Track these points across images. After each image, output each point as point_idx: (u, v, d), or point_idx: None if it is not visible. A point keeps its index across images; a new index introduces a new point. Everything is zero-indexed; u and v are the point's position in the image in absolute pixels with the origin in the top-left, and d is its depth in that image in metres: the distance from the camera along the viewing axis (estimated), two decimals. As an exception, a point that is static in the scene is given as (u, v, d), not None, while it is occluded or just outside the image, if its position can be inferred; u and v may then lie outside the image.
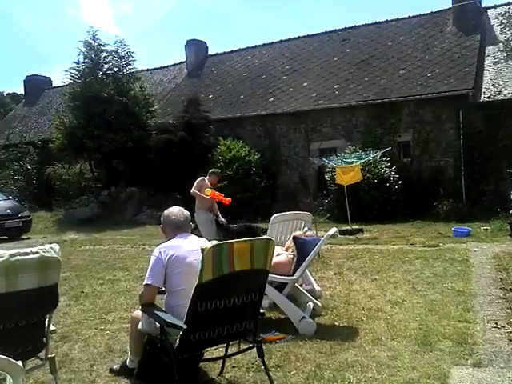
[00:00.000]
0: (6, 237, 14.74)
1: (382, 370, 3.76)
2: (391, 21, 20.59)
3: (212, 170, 9.65)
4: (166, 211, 3.91)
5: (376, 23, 20.91)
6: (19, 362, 2.18)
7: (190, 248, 3.60)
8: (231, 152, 17.45)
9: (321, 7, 76.68)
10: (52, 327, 3.52)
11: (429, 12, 19.80)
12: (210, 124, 18.44)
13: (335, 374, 3.72)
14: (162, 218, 3.91)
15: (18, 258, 3.02)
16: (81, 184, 21.06)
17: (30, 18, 74.58)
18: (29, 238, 14.99)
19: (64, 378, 3.88)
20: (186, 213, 3.89)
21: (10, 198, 17.35)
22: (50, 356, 3.42)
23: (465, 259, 8.13)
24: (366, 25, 21.08)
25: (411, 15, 20.24)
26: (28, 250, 3.10)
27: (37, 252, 3.10)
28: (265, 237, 3.74)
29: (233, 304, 3.27)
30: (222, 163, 17.25)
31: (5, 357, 2.06)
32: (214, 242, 3.25)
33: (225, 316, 3.30)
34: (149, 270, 3.56)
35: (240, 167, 17.12)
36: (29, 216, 16.04)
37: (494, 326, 4.72)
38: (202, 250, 3.13)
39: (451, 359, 3.94)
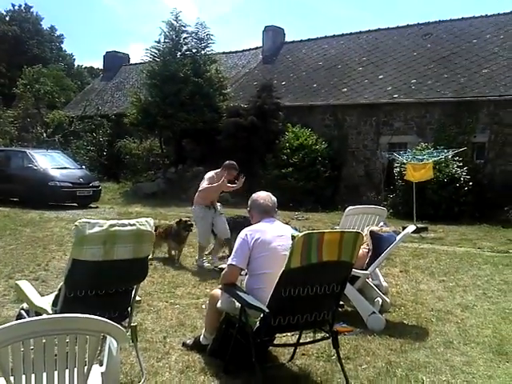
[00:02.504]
0: (76, 204, 15.43)
1: (457, 374, 3.70)
2: (478, 17, 19.72)
3: (228, 162, 7.71)
4: (254, 195, 3.97)
5: (462, 19, 20.07)
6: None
7: (276, 233, 3.65)
8: (299, 140, 17.41)
9: (404, 1, 74.42)
10: (138, 298, 3.69)
11: (521, 9, 18.85)
12: (280, 110, 18.46)
13: (408, 373, 3.69)
14: (249, 202, 3.97)
15: (117, 228, 3.18)
16: (149, 159, 21.64)
17: (110, -6, 76.64)
18: (97, 207, 15.59)
19: (140, 346, 3.99)
20: (274, 198, 3.95)
21: (83, 167, 18.09)
22: (132, 325, 3.58)
23: (538, 268, 7.79)
24: (450, 20, 20.30)
25: (501, 12, 19.28)
26: (126, 221, 3.25)
27: (134, 224, 3.25)
28: (354, 230, 3.73)
29: (315, 293, 3.30)
30: (288, 150, 17.29)
31: (111, 322, 2.18)
32: (306, 231, 3.28)
33: (306, 304, 3.35)
34: (234, 250, 3.65)
35: (306, 155, 17.08)
36: (99, 186, 16.64)
37: None
38: (293, 238, 3.17)
39: (530, 372, 3.81)
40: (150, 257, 7.12)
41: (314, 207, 15.91)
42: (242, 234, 3.67)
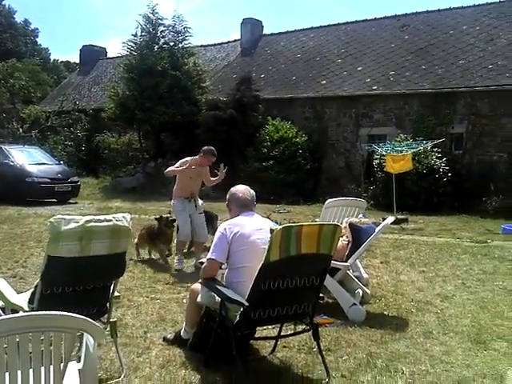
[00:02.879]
0: (55, 200, 15.23)
1: (436, 364, 3.73)
2: (455, 8, 19.91)
3: (207, 147, 7.20)
4: (232, 188, 3.96)
5: (438, 10, 20.25)
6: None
7: (255, 227, 3.64)
8: (279, 132, 17.42)
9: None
10: (116, 293, 3.65)
11: (497, 1, 19.03)
12: (259, 103, 18.46)
13: (388, 364, 3.72)
14: (228, 196, 3.96)
15: (93, 224, 3.14)
16: (128, 154, 21.44)
17: (86, -13, 75.54)
18: (76, 203, 15.42)
19: (120, 342, 3.93)
20: (252, 192, 3.94)
21: (61, 162, 17.86)
22: (111, 320, 3.54)
23: (515, 258, 7.92)
24: (427, 11, 20.45)
25: (476, 3, 19.49)
26: (102, 217, 3.21)
27: (110, 220, 3.21)
28: (333, 223, 3.74)
29: (294, 286, 3.31)
30: (268, 143, 17.29)
31: (88, 319, 2.15)
32: (285, 224, 3.28)
33: (286, 296, 3.36)
34: (213, 245, 3.63)
35: (286, 148, 17.10)
36: (78, 181, 16.51)
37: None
38: (271, 231, 3.17)
39: (507, 360, 3.87)
40: (135, 258, 7.18)
41: (296, 200, 15.94)
42: (220, 228, 3.66)
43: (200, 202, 7.33)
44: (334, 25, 22.70)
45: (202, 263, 3.93)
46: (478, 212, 13.43)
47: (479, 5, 19.40)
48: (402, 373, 3.58)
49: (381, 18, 21.52)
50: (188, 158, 7.11)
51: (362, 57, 19.37)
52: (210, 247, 3.69)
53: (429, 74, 16.88)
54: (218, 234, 3.65)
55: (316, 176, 17.74)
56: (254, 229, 3.62)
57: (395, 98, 16.99)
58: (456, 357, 3.88)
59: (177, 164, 7.11)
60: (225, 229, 3.61)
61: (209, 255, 3.63)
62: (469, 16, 18.97)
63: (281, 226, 3.23)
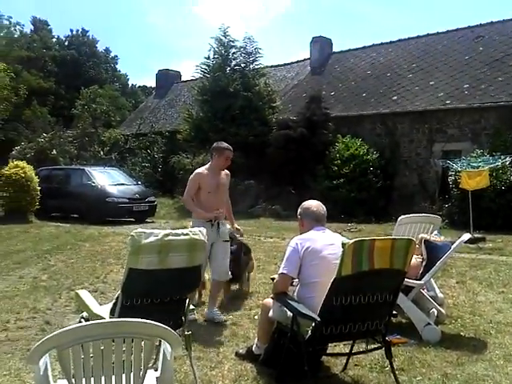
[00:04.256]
0: (133, 219, 15.86)
1: (517, 388, 3.58)
2: (534, 16, 19.08)
3: (216, 143, 5.69)
4: (305, 203, 3.99)
5: (514, 19, 19.49)
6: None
7: (326, 242, 3.66)
8: (349, 150, 17.29)
9: (453, 3, 72.76)
10: (191, 306, 3.78)
11: None
12: (329, 121, 18.44)
13: (465, 386, 3.61)
14: (300, 210, 3.98)
15: (171, 237, 3.29)
16: (203, 174, 21.92)
17: (159, 16, 78.91)
18: (153, 222, 15.96)
19: (193, 355, 4.05)
20: (323, 207, 3.96)
21: (139, 183, 18.62)
22: (186, 333, 3.66)
23: None
24: (502, 21, 19.67)
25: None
26: (179, 231, 3.37)
27: (187, 234, 3.36)
28: (406, 237, 3.70)
29: (367, 302, 3.29)
30: (339, 161, 17.18)
31: (167, 327, 2.27)
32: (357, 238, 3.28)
33: (358, 313, 3.34)
34: (285, 259, 3.66)
35: (357, 166, 16.92)
36: (154, 201, 17.09)
37: None
38: (343, 245, 3.18)
39: None
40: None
41: (367, 218, 15.70)
42: (292, 243, 3.68)
43: (227, 226, 5.67)
44: (405, 39, 22.36)
45: (273, 279, 3.99)
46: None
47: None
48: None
49: (453, 30, 20.94)
50: (199, 170, 5.57)
51: (434, 71, 18.92)
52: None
53: (506, 86, 16.21)
54: (289, 248, 3.68)
55: (388, 194, 17.41)
56: (325, 244, 3.64)
57: (470, 112, 16.42)
58: (539, 381, 3.69)
59: (190, 187, 5.44)
60: (297, 243, 3.64)
61: (280, 269, 3.66)
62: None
63: (353, 240, 3.23)
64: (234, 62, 20.28)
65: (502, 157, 13.16)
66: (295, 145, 17.51)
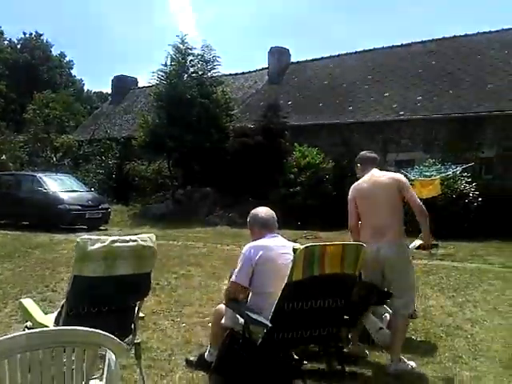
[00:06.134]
0: (85, 226, 15.47)
1: (466, 389, 3.64)
2: (482, 33, 19.81)
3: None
4: (253, 211, 3.93)
5: (465, 35, 20.22)
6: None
7: (280, 250, 3.59)
8: (306, 158, 17.46)
9: (409, 17, 74.86)
10: (141, 314, 3.67)
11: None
12: (286, 130, 18.58)
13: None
14: (249, 218, 3.92)
15: (118, 244, 3.19)
16: (158, 181, 21.76)
17: (118, 21, 77.93)
18: (106, 230, 15.61)
19: (144, 364, 3.95)
20: (272, 212, 3.90)
21: (92, 190, 18.23)
22: (136, 342, 3.56)
23: (550, 284, 7.71)
24: (454, 36, 20.44)
25: (505, 28, 19.35)
26: (127, 237, 3.26)
27: (135, 240, 3.25)
28: (356, 242, 3.71)
29: (319, 307, 3.28)
30: (296, 169, 17.32)
31: (110, 335, 2.18)
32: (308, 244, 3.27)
33: (310, 318, 3.32)
34: (238, 268, 3.58)
35: (314, 174, 17.09)
36: (108, 208, 16.75)
37: None
38: (294, 251, 3.16)
39: (541, 386, 3.75)
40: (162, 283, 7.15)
41: (323, 226, 15.80)
42: (244, 250, 3.62)
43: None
44: (361, 52, 22.86)
45: None
46: (510, 237, 13.09)
47: (507, 29, 19.25)
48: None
49: (407, 45, 21.58)
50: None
51: (389, 83, 19.40)
52: None
53: (456, 99, 16.78)
54: (242, 256, 3.60)
55: (344, 202, 17.56)
56: (278, 252, 3.58)
57: (423, 123, 16.92)
58: (486, 382, 3.79)
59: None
60: (250, 251, 3.56)
61: (232, 278, 3.61)
62: (496, 40, 18.85)
63: (304, 246, 3.21)
64: (191, 70, 20.19)
65: (453, 166, 13.55)
66: (252, 153, 17.54)
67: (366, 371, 4.01)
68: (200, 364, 4.01)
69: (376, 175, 4.36)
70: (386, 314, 5.05)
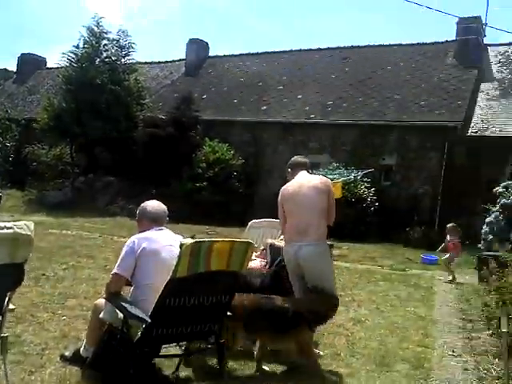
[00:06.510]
0: (-28, 211, 14.42)
1: (340, 386, 3.73)
2: (393, 45, 20.68)
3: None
4: (143, 204, 3.85)
5: (379, 45, 21.01)
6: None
7: (164, 243, 3.54)
8: (216, 154, 17.41)
9: (325, 24, 77.00)
10: (11, 306, 3.40)
11: (432, 42, 20.00)
12: (198, 123, 18.44)
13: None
14: (138, 211, 3.85)
15: (-9, 231, 2.92)
16: (58, 167, 20.69)
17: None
18: (-4, 215, 14.66)
19: (13, 359, 3.75)
20: (164, 206, 3.84)
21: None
22: (2, 335, 3.30)
23: (429, 286, 8.29)
24: (368, 46, 21.20)
25: (414, 42, 20.39)
26: (2, 224, 3.01)
27: (11, 227, 3.01)
28: (246, 240, 3.68)
29: (201, 303, 3.24)
30: (204, 164, 17.23)
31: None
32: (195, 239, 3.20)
33: (191, 314, 3.27)
34: (120, 259, 3.49)
35: (222, 170, 17.09)
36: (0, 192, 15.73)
37: (451, 353, 4.76)
38: (181, 246, 3.08)
39: (407, 381, 3.97)
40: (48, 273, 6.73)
41: (227, 222, 15.81)
42: (128, 242, 3.52)
43: None
44: (278, 52, 23.08)
45: None
46: (401, 241, 13.84)
47: (416, 44, 20.28)
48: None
49: (324, 49, 22.10)
50: None
51: (303, 85, 19.77)
52: None
53: (365, 106, 17.47)
54: (125, 247, 3.51)
55: (250, 200, 17.77)
56: (163, 244, 3.52)
57: (331, 127, 17.41)
58: (359, 378, 3.93)
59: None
60: (133, 242, 3.48)
61: (114, 269, 3.48)
62: (406, 53, 19.78)
63: (191, 241, 3.15)
64: (104, 54, 19.44)
65: (355, 171, 14.08)
66: (162, 144, 17.23)
67: (247, 367, 3.99)
68: (75, 359, 3.81)
69: (303, 178, 4.42)
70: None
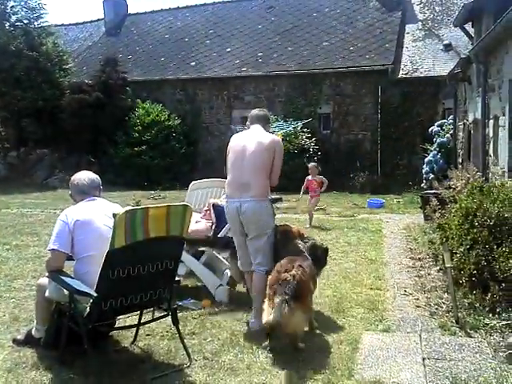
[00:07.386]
0: None
1: (297, 335, 3.80)
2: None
3: None
4: (72, 177, 3.73)
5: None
6: None
7: (99, 212, 3.46)
8: (150, 116, 16.96)
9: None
10: None
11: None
12: (127, 85, 17.85)
13: (250, 341, 3.74)
14: (69, 185, 3.74)
15: None
16: (-14, 144, 19.62)
17: None
18: None
19: None
20: (92, 176, 3.72)
21: None
22: None
23: (377, 229, 8.49)
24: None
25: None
26: None
27: None
28: (182, 203, 3.61)
29: (147, 271, 3.19)
30: (139, 127, 16.78)
31: None
32: (128, 207, 3.11)
33: (138, 283, 3.21)
34: (54, 234, 3.40)
35: (159, 132, 16.72)
36: None
37: (403, 293, 4.94)
38: (114, 216, 2.99)
39: (362, 325, 4.08)
40: None
41: (172, 185, 15.58)
42: (61, 216, 3.44)
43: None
44: (201, 5, 22.51)
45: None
46: (346, 188, 14.13)
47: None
48: (264, 348, 3.60)
49: (247, 0, 21.63)
50: None
51: (231, 38, 19.42)
52: None
53: (295, 56, 17.37)
54: (58, 222, 3.42)
55: (192, 160, 17.57)
56: (97, 214, 3.45)
57: (264, 79, 17.27)
58: (315, 327, 3.98)
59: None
60: (66, 215, 3.40)
61: (50, 245, 3.38)
62: (330, -1, 19.68)
63: (123, 210, 3.06)
64: (14, 17, 18.29)
65: (294, 122, 14.11)
66: (91, 110, 16.60)
67: (204, 329, 4.01)
68: (28, 341, 3.73)
69: (253, 133, 4.24)
70: (227, 271, 5.12)
